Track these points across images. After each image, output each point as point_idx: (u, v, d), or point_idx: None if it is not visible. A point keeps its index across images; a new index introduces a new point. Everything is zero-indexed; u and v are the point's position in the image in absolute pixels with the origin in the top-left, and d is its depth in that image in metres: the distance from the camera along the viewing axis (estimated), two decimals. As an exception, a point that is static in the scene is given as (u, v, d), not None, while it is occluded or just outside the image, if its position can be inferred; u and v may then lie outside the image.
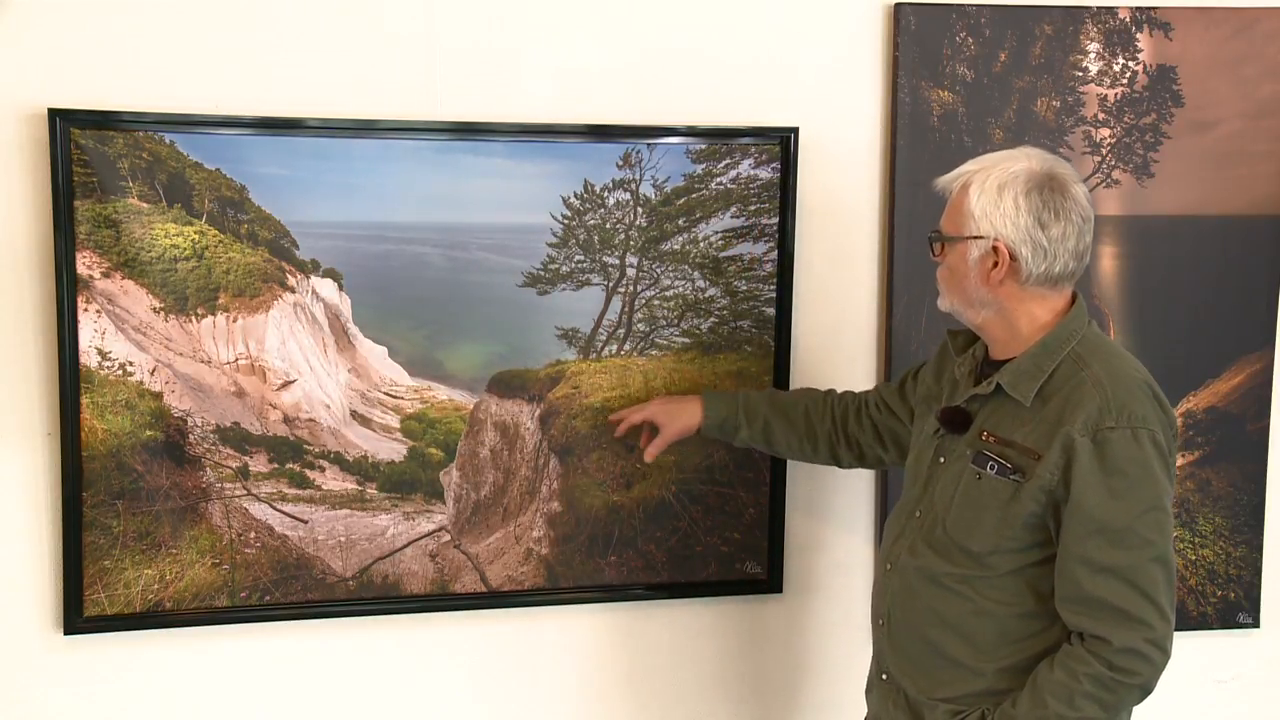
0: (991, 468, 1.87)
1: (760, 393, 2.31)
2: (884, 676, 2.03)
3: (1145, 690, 1.82)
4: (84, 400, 2.16)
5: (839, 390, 2.32)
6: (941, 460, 1.97)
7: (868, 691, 2.14)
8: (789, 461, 2.46)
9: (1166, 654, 1.80)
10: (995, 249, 1.85)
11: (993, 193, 1.85)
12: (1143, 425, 1.79)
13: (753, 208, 2.39)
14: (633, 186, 2.34)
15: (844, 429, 2.26)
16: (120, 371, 2.18)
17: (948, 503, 1.93)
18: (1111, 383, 1.82)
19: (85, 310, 2.14)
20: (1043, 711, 1.80)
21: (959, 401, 1.96)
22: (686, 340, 2.41)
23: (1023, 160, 1.88)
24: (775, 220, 2.40)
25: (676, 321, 2.41)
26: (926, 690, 1.95)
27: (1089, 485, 1.78)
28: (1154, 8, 2.50)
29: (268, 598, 2.29)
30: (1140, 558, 1.78)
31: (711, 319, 2.42)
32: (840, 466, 2.32)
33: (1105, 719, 1.83)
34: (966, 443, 1.93)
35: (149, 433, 2.20)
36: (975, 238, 1.87)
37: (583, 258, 2.34)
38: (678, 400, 2.31)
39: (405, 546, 2.35)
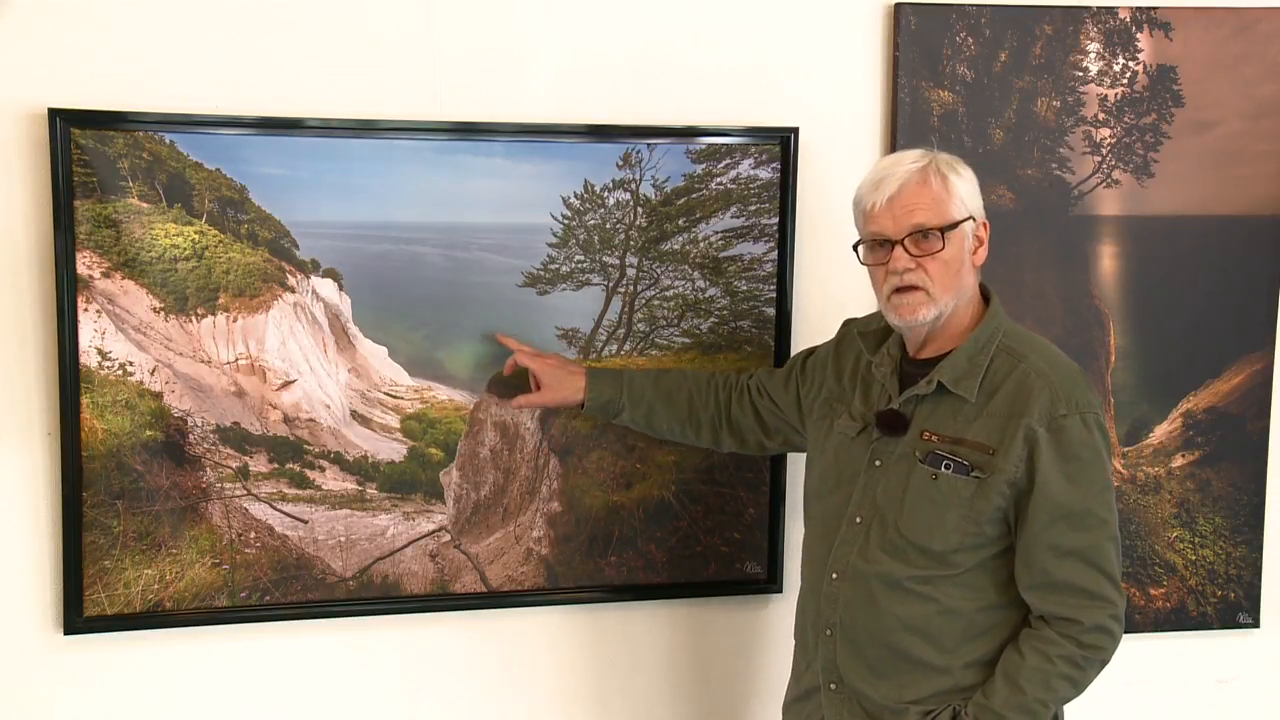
0: (947, 467, 1.88)
1: (645, 374, 2.28)
2: (833, 686, 2.01)
3: (1107, 663, 1.88)
4: (84, 400, 2.16)
5: (726, 373, 2.30)
6: (878, 463, 1.96)
7: (797, 701, 2.09)
8: (788, 462, 2.46)
9: (1124, 626, 1.88)
10: (982, 226, 1.92)
11: (959, 171, 1.90)
12: (1089, 410, 1.85)
13: (753, 208, 2.39)
14: (633, 186, 2.33)
15: (727, 413, 2.25)
16: (120, 371, 2.18)
17: (897, 505, 1.92)
18: (1054, 373, 1.87)
19: (85, 310, 2.14)
20: (1021, 698, 1.84)
21: (895, 404, 1.95)
22: (686, 340, 2.41)
23: (926, 150, 1.93)
24: (775, 220, 2.40)
25: (676, 321, 2.40)
26: (893, 696, 1.94)
27: (1050, 473, 1.83)
28: (1154, 8, 2.50)
29: (268, 598, 2.29)
30: (1098, 537, 1.85)
31: (711, 319, 2.42)
32: (719, 449, 2.31)
33: (1076, 695, 1.89)
34: (908, 444, 1.93)
35: (149, 433, 2.20)
36: (967, 220, 1.90)
37: (583, 258, 2.34)
38: (568, 369, 2.27)
39: (405, 546, 2.35)
